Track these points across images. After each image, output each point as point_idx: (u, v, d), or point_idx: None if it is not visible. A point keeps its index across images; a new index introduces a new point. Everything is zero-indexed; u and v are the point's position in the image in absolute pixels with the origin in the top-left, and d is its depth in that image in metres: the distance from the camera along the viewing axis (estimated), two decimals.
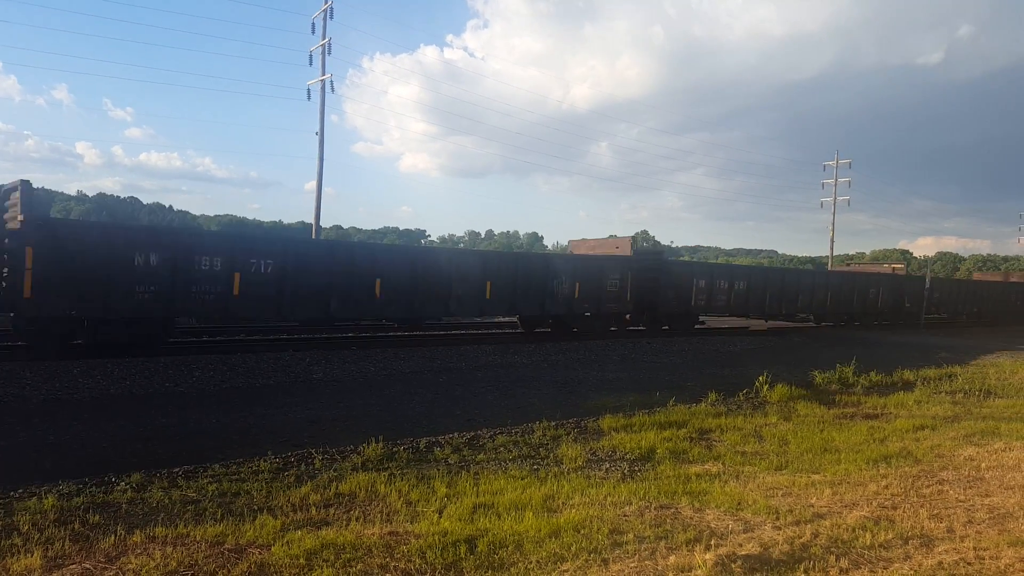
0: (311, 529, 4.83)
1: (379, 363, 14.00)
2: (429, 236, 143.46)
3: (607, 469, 6.82)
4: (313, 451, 7.12)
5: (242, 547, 4.46)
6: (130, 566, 4.10)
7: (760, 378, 11.89)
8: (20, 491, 5.53)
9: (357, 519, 5.08)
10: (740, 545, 4.60)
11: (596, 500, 5.61)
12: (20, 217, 12.09)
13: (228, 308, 14.34)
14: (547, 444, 7.84)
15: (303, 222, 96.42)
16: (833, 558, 4.46)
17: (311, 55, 31.94)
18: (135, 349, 13.40)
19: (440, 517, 5.10)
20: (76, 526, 4.79)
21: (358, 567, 4.17)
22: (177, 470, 6.29)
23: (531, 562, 4.29)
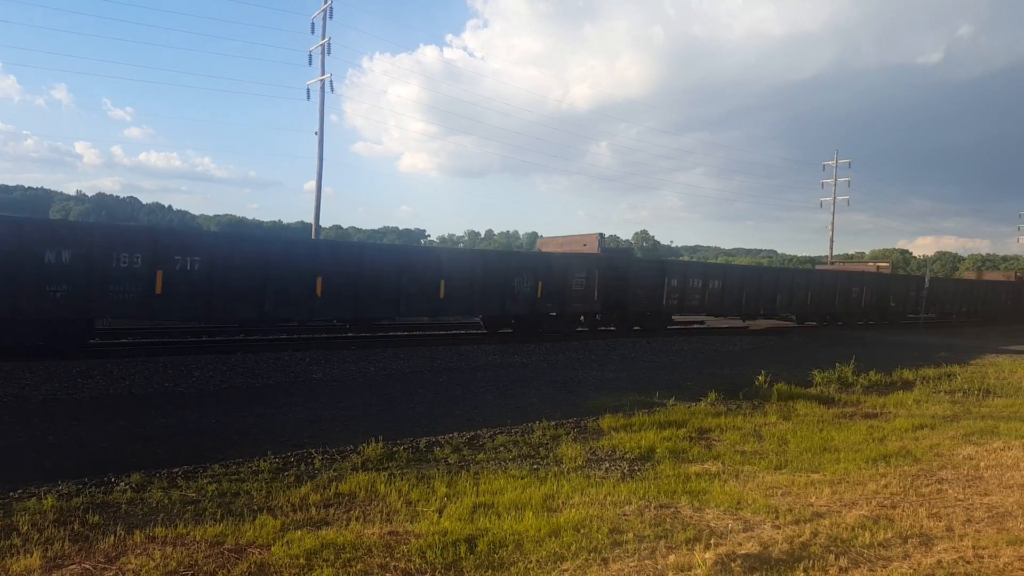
0: (311, 529, 4.83)
1: (379, 363, 14.00)
2: (429, 236, 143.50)
3: (607, 469, 6.83)
4: (313, 451, 7.12)
5: (242, 547, 4.47)
6: (130, 566, 4.10)
7: (760, 377, 11.90)
8: (20, 491, 5.53)
9: (357, 519, 5.08)
10: (740, 544, 4.61)
11: (596, 499, 5.61)
12: None
13: (150, 308, 13.50)
14: (547, 444, 7.84)
15: (303, 222, 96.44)
16: (832, 557, 4.47)
17: (311, 55, 31.93)
18: (50, 352, 12.71)
19: (440, 517, 5.11)
20: (76, 526, 4.79)
21: (358, 567, 4.17)
22: (177, 470, 6.30)
23: (531, 561, 4.29)
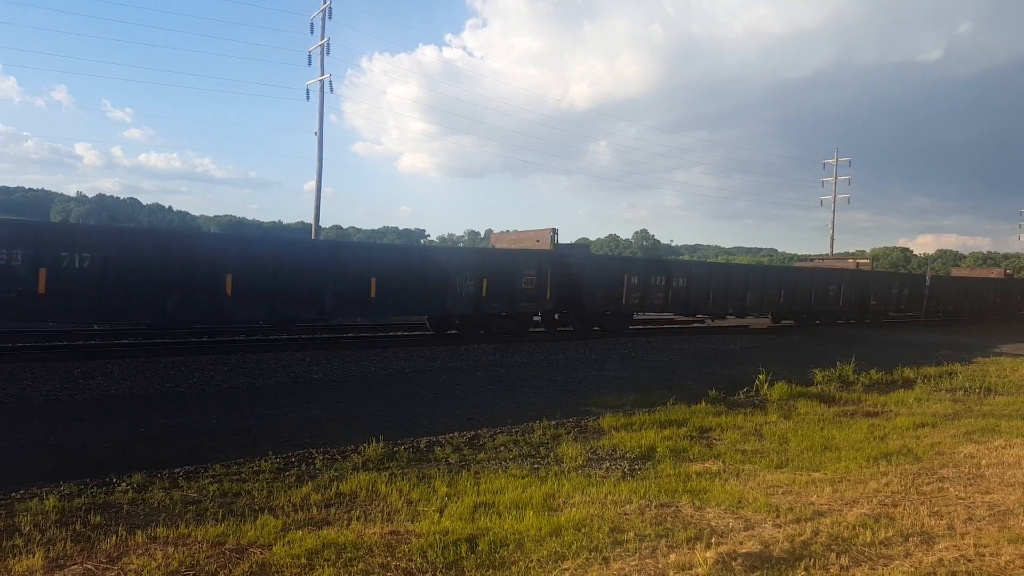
0: (312, 529, 4.84)
1: (379, 363, 14.01)
2: (429, 236, 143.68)
3: (607, 468, 6.83)
4: (314, 451, 7.13)
5: (243, 547, 4.47)
6: (132, 566, 4.11)
7: (760, 376, 11.90)
8: (22, 492, 5.54)
9: (358, 519, 5.09)
10: (741, 543, 4.61)
11: (597, 499, 5.61)
12: None
13: (32, 309, 12.38)
14: (547, 443, 7.84)
15: (303, 222, 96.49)
16: (834, 556, 4.47)
17: (310, 55, 31.94)
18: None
19: (441, 516, 5.11)
20: (78, 527, 4.80)
21: (359, 566, 4.18)
22: (178, 470, 6.30)
23: (532, 561, 4.29)
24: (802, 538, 4.75)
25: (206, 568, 4.12)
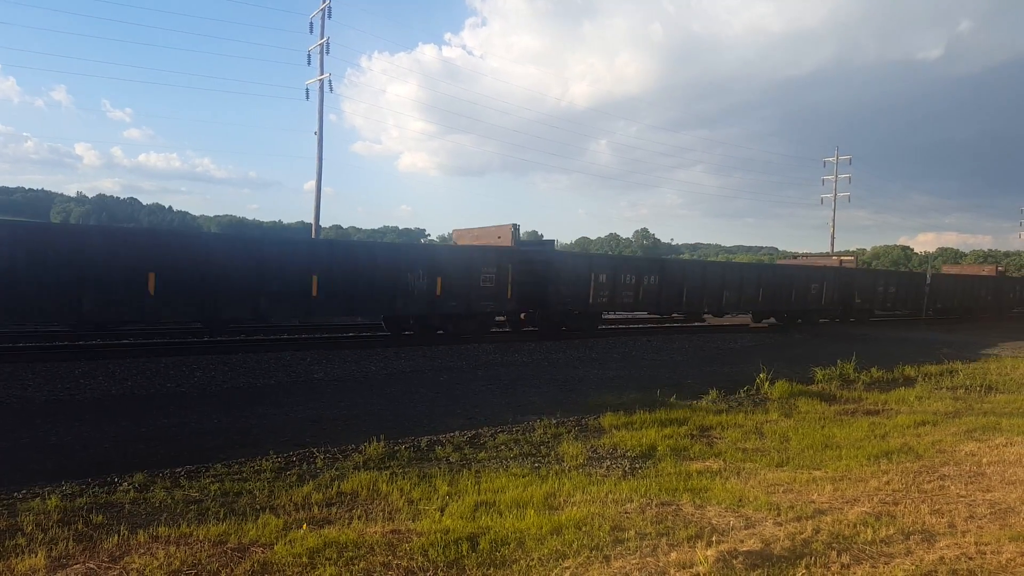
0: (314, 528, 4.84)
1: (380, 362, 14.01)
2: (429, 235, 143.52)
3: (608, 467, 6.83)
4: (315, 450, 7.13)
5: (245, 546, 4.48)
6: (134, 566, 4.12)
7: (761, 375, 11.90)
8: (24, 492, 5.55)
9: (359, 518, 5.09)
10: (741, 541, 4.61)
11: (597, 497, 5.62)
12: None
13: None
14: (548, 442, 7.85)
15: (303, 222, 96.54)
16: (834, 554, 4.47)
17: (309, 55, 31.93)
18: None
19: (442, 515, 5.11)
20: (80, 526, 4.81)
21: (360, 565, 4.18)
22: (179, 470, 6.31)
23: (533, 559, 4.30)
24: (803, 536, 4.76)
25: (208, 567, 4.13)
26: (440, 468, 6.59)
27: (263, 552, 4.37)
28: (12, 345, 14.30)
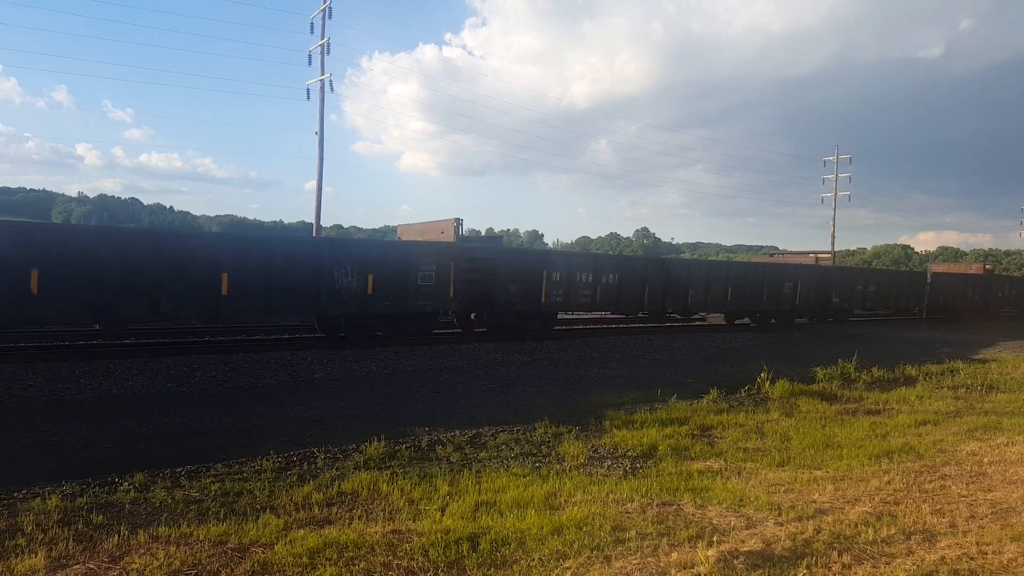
0: (314, 528, 4.84)
1: (380, 362, 14.01)
2: None
3: (609, 466, 6.83)
4: (315, 450, 7.13)
5: (245, 546, 4.47)
6: (134, 566, 4.11)
7: (762, 375, 11.89)
8: (24, 492, 5.55)
9: (360, 518, 5.09)
10: (742, 541, 4.60)
11: (598, 497, 5.61)
12: None
13: None
14: (549, 442, 7.84)
15: (303, 221, 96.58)
16: (835, 554, 4.47)
17: (310, 55, 31.89)
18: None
19: (442, 515, 5.11)
20: (80, 526, 4.81)
21: (361, 565, 4.18)
22: (180, 470, 6.31)
23: (533, 559, 4.29)
24: (804, 536, 4.75)
25: (208, 567, 4.12)
26: (441, 468, 6.58)
27: (263, 552, 4.37)
28: (12, 345, 14.30)
